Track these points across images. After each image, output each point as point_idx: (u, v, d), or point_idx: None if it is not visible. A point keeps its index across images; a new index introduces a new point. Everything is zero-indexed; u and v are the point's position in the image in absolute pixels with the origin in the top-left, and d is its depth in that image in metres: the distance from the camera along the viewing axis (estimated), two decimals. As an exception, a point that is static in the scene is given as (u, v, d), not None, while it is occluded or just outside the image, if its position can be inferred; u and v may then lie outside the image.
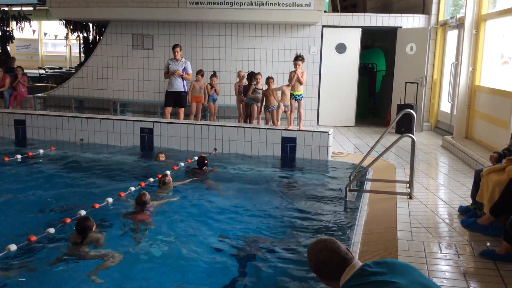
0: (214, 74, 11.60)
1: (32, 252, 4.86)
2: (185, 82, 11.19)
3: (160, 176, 7.23)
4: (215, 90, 11.50)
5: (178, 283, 4.30)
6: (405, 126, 10.85)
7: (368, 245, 4.85)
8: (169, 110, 11.20)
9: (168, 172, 7.54)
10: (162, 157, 8.73)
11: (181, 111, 11.21)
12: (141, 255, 4.80)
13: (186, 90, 11.26)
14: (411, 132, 7.02)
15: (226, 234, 5.43)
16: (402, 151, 9.37)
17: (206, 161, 8.11)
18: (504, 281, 3.86)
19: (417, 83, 11.93)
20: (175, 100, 11.15)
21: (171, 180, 7.13)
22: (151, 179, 7.35)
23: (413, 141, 6.25)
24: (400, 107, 10.95)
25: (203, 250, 4.95)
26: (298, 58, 9.70)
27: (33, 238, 5.03)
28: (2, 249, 4.71)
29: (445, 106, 11.96)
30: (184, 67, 11.09)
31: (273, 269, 4.55)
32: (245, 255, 4.87)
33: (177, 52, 11.05)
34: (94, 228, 4.97)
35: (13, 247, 4.79)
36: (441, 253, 4.47)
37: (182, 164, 8.34)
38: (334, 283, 2.21)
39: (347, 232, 5.39)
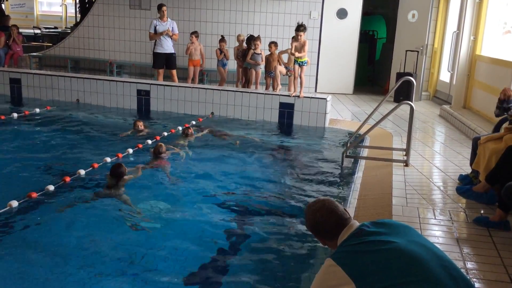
0: (222, 39, 11.20)
1: (35, 207, 4.89)
2: (173, 44, 10.97)
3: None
4: (224, 55, 11.24)
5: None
6: (403, 94, 10.81)
7: (362, 210, 4.89)
8: (162, 71, 11.01)
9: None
10: (140, 125, 7.98)
11: (174, 73, 11.02)
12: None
13: (175, 52, 11.04)
14: (410, 101, 6.98)
15: (221, 195, 5.47)
16: (399, 120, 9.36)
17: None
18: (496, 247, 3.91)
19: (418, 52, 11.82)
20: (167, 62, 10.92)
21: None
22: (149, 141, 7.34)
23: (411, 108, 6.23)
24: (400, 76, 10.88)
25: (201, 213, 4.97)
26: (300, 29, 9.41)
27: (34, 195, 5.04)
28: (3, 206, 4.73)
29: (445, 76, 11.89)
30: (172, 27, 10.79)
31: (269, 232, 4.59)
32: (241, 219, 4.90)
33: (164, 11, 10.69)
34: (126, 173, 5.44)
35: (14, 204, 4.81)
36: (435, 219, 4.51)
37: (165, 134, 7.88)
38: (332, 242, 2.22)
39: (342, 198, 5.43)
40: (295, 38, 9.34)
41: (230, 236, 4.50)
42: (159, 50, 10.80)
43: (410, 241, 2.04)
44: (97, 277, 3.70)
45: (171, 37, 10.72)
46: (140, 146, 7.07)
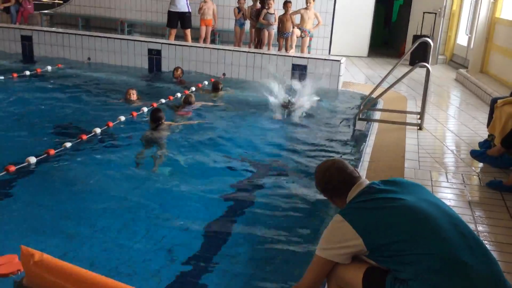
0: None
1: (56, 163, 4.95)
2: (188, 1, 10.75)
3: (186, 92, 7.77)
4: (243, 14, 11.00)
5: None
6: (419, 58, 10.50)
7: (374, 172, 4.85)
8: (174, 31, 10.86)
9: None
10: (133, 94, 7.37)
11: (188, 32, 10.86)
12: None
13: (190, 11, 10.85)
14: (426, 63, 6.82)
15: (233, 155, 5.48)
16: (414, 83, 9.20)
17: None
18: (509, 211, 3.87)
19: (435, 14, 11.49)
20: (180, 21, 10.74)
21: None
22: (163, 100, 7.32)
23: (427, 70, 6.09)
24: (416, 38, 10.59)
25: (209, 175, 5.00)
26: None
27: (52, 152, 5.08)
28: (22, 161, 4.78)
29: (462, 39, 11.60)
30: None
31: (280, 194, 4.59)
32: (251, 181, 4.90)
33: None
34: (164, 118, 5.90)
35: (32, 159, 4.85)
36: (448, 182, 4.47)
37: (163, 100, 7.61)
38: (340, 200, 2.20)
39: (354, 160, 5.39)
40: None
41: (240, 197, 4.52)
42: (173, 8, 10.62)
43: (420, 199, 2.01)
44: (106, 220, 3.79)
45: None
46: (135, 114, 6.70)
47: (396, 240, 1.89)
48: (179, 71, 8.88)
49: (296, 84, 7.95)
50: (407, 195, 2.02)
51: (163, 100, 7.36)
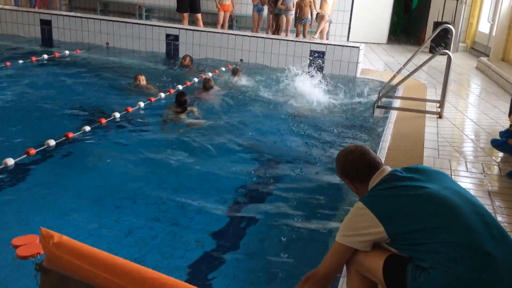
0: None
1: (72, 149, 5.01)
2: None
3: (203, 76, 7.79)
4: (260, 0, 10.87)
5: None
6: (440, 45, 10.40)
7: (393, 160, 4.80)
8: (186, 15, 10.80)
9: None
10: (142, 79, 7.27)
11: (199, 17, 10.80)
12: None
13: None
14: (447, 50, 6.71)
15: (251, 141, 5.48)
16: (434, 71, 9.06)
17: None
18: (530, 202, 3.81)
19: (457, 0, 11.26)
20: (190, 5, 10.67)
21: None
22: (180, 86, 7.33)
23: (449, 58, 5.98)
24: (437, 25, 10.43)
25: (228, 159, 5.03)
26: None
27: (71, 135, 5.14)
28: (42, 144, 4.85)
29: (484, 27, 11.37)
30: None
31: (298, 180, 4.59)
32: (267, 167, 4.90)
33: None
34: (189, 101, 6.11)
35: (51, 142, 4.92)
36: (467, 171, 4.41)
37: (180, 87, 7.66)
38: (362, 186, 2.17)
39: (373, 147, 5.34)
40: None
41: (258, 183, 4.52)
42: None
43: (443, 187, 1.98)
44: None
45: None
46: (153, 99, 6.73)
47: (418, 228, 1.87)
48: (188, 60, 8.72)
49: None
50: (430, 183, 1.99)
51: (180, 87, 7.33)
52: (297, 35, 10.28)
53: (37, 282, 2.81)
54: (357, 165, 2.18)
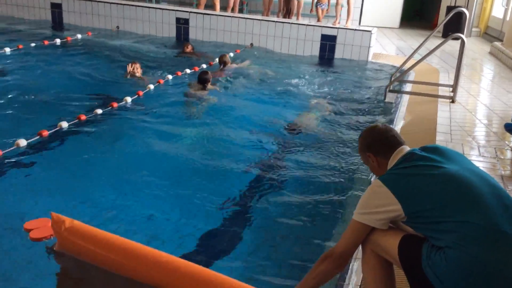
0: None
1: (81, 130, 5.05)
2: None
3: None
4: None
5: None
6: (453, 30, 10.24)
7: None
8: (203, 0, 10.75)
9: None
10: (136, 68, 6.90)
11: (217, 1, 10.75)
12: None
13: None
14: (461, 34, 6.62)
15: (260, 127, 5.48)
16: (447, 56, 8.97)
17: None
18: (543, 186, 3.79)
19: (471, -16, 11.10)
20: None
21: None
22: (188, 70, 7.32)
23: (462, 41, 5.91)
24: (450, 9, 10.28)
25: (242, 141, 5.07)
26: None
27: (83, 117, 5.17)
28: (53, 126, 4.90)
29: (498, 11, 11.19)
30: None
31: (310, 164, 4.58)
32: (277, 150, 4.91)
33: None
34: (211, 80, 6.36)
35: (64, 124, 4.95)
36: (480, 155, 4.38)
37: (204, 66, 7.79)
38: (383, 161, 2.16)
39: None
40: None
41: (270, 161, 4.53)
42: None
43: (462, 168, 1.97)
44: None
45: None
46: (161, 81, 6.78)
47: (435, 207, 1.86)
48: (190, 47, 8.55)
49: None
50: (449, 163, 1.98)
51: (170, 77, 7.07)
52: (318, 20, 10.22)
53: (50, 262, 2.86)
54: (382, 138, 2.18)
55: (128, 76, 6.83)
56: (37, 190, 3.81)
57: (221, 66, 7.43)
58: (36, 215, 3.21)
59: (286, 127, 5.44)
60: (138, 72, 6.89)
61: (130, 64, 6.92)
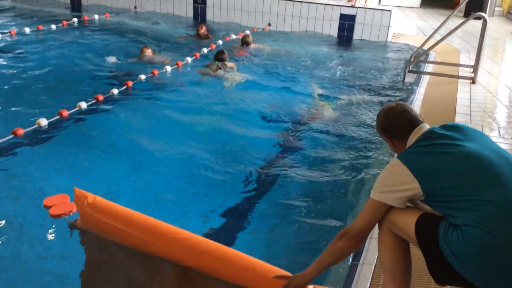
0: None
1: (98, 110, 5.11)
2: None
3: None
4: None
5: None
6: (475, 9, 10.00)
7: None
8: None
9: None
10: (148, 52, 6.93)
11: None
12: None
13: None
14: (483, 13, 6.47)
15: (275, 108, 5.48)
16: (468, 36, 8.79)
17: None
18: None
19: (495, -38, 10.80)
20: None
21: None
22: (205, 50, 7.32)
23: (484, 21, 5.79)
24: (472, -12, 10.05)
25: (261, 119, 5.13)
26: None
27: (100, 97, 5.24)
28: (74, 106, 4.97)
29: (523, -10, 10.91)
30: None
31: (320, 142, 4.59)
32: (294, 129, 4.91)
33: None
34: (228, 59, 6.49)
35: (83, 105, 5.02)
36: (500, 137, 4.33)
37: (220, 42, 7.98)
38: (400, 143, 2.15)
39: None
40: None
41: (283, 145, 4.54)
42: None
43: (482, 146, 1.94)
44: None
45: None
46: (180, 63, 6.72)
47: (454, 185, 1.85)
48: (204, 29, 8.44)
49: None
50: (469, 141, 1.95)
51: (189, 59, 7.00)
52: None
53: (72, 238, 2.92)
54: (397, 121, 2.15)
55: (136, 59, 6.82)
56: (57, 168, 3.88)
57: (243, 46, 7.52)
58: (55, 192, 3.27)
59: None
60: (150, 53, 6.91)
61: (143, 48, 6.93)
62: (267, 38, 8.46)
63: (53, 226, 3.03)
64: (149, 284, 2.64)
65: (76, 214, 2.99)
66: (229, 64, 6.47)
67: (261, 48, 7.74)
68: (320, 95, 5.82)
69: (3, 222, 3.09)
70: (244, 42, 7.58)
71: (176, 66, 6.57)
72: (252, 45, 7.63)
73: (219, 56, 6.42)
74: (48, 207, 3.10)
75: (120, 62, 6.80)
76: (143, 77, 5.91)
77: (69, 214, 3.03)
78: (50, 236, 3.01)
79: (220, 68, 6.32)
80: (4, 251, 2.86)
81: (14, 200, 3.39)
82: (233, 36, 8.25)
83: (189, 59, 6.86)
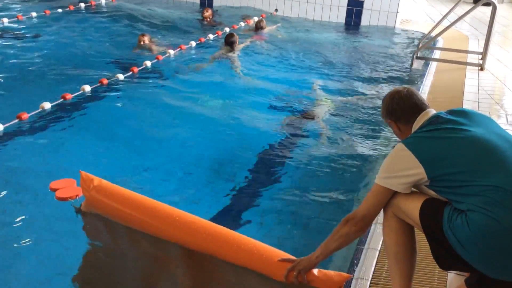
0: None
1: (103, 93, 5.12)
2: None
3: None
4: None
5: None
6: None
7: (430, 112, 4.71)
8: None
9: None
10: (146, 39, 6.70)
11: None
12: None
13: None
14: (493, -1, 6.40)
15: (282, 91, 5.48)
16: (477, 22, 8.69)
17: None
18: None
19: None
20: None
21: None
22: (211, 35, 7.29)
23: (494, 7, 5.72)
24: (483, -27, 9.91)
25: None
26: None
27: (105, 81, 5.24)
28: (77, 90, 4.98)
29: (534, -25, 10.75)
30: None
31: (334, 128, 4.59)
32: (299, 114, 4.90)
33: None
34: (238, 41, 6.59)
35: (87, 88, 5.04)
36: (508, 124, 4.31)
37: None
38: (405, 128, 2.13)
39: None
40: None
41: (293, 129, 4.54)
42: None
43: (488, 131, 1.93)
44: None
45: None
46: (184, 47, 6.71)
47: (459, 170, 1.84)
48: (209, 12, 8.48)
49: None
50: (475, 126, 1.94)
51: (193, 43, 6.98)
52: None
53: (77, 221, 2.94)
54: (402, 105, 2.14)
55: (137, 50, 6.63)
56: (62, 151, 3.91)
57: (258, 30, 7.72)
58: (61, 175, 3.28)
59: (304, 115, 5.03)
60: (147, 41, 6.68)
61: (141, 35, 6.73)
62: (274, 23, 8.39)
63: (60, 209, 3.06)
64: (157, 267, 2.66)
65: (81, 198, 3.01)
66: (239, 46, 6.63)
67: (271, 31, 7.93)
68: (322, 87, 5.76)
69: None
70: (259, 27, 7.75)
71: (179, 49, 6.55)
72: (266, 29, 7.82)
73: (229, 40, 6.51)
74: (55, 190, 3.12)
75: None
76: (148, 63, 5.90)
77: (75, 198, 3.05)
78: (55, 218, 3.04)
79: (231, 51, 6.43)
80: (9, 231, 2.89)
81: (18, 185, 3.41)
82: (242, 24, 8.19)
83: (193, 43, 6.85)
